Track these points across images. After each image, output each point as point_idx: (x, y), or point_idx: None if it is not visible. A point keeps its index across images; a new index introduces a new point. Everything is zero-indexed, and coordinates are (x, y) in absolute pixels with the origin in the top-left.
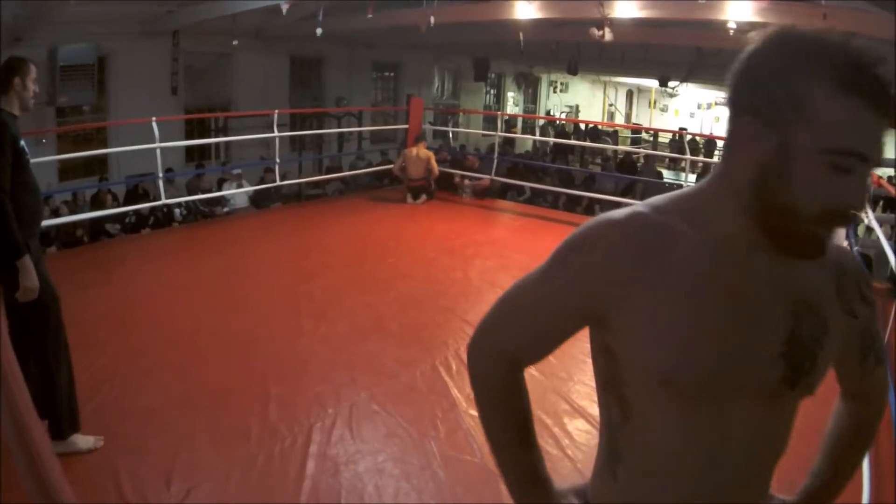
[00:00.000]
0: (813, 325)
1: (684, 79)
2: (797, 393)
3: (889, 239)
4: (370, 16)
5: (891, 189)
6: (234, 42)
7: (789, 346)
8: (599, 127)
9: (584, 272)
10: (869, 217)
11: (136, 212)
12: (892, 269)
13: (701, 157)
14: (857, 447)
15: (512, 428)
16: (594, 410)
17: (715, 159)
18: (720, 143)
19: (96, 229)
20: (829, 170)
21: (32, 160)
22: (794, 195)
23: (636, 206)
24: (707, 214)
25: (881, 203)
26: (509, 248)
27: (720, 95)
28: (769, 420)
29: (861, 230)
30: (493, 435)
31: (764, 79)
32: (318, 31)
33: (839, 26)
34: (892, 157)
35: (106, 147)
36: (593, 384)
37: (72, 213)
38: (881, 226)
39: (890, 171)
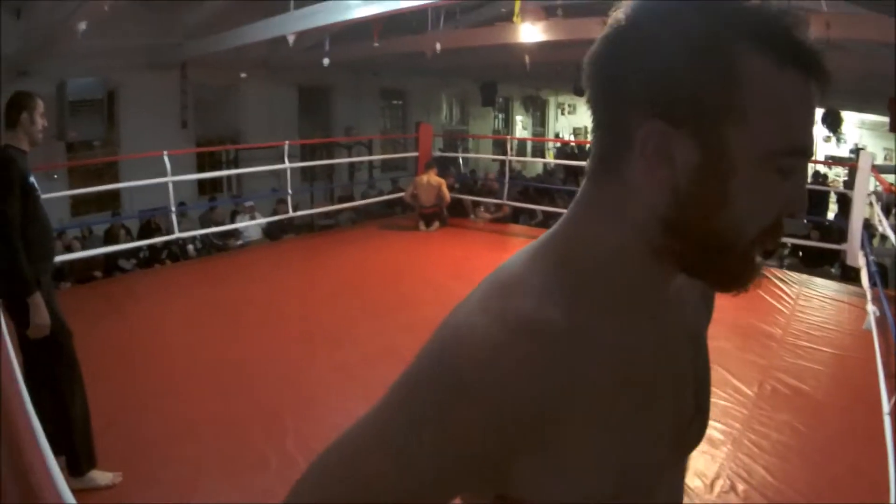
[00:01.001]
0: (705, 359)
1: None
2: (693, 446)
3: None
4: (376, 44)
5: None
6: (243, 74)
7: (696, 398)
8: None
9: (465, 433)
10: (884, 225)
11: (149, 246)
12: None
13: None
14: None
15: None
16: None
17: None
18: None
19: (110, 265)
20: (772, 175)
21: (43, 196)
22: (730, 218)
23: (498, 303)
24: (601, 276)
25: (894, 210)
26: None
27: None
28: (681, 473)
29: (876, 240)
30: None
31: (668, 65)
32: (326, 61)
33: (841, 33)
34: None
35: (117, 181)
36: None
37: (84, 248)
38: None
39: None
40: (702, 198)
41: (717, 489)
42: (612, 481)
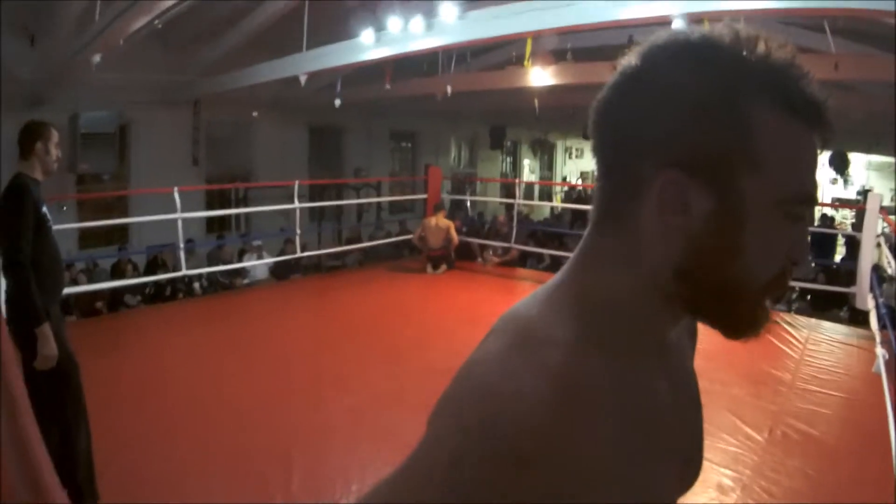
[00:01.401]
0: (698, 396)
1: None
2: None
3: None
4: (388, 86)
5: None
6: (255, 113)
7: (693, 437)
8: None
9: (504, 485)
10: (893, 267)
11: (155, 282)
12: None
13: None
14: None
15: None
16: None
17: None
18: None
19: (115, 299)
20: (781, 223)
21: (54, 227)
22: (743, 265)
23: (534, 358)
24: (619, 325)
25: None
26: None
27: None
28: None
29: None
30: None
31: (684, 115)
32: (337, 101)
33: (849, 73)
34: None
35: (127, 216)
36: None
37: (90, 282)
38: None
39: None
40: (716, 245)
41: None
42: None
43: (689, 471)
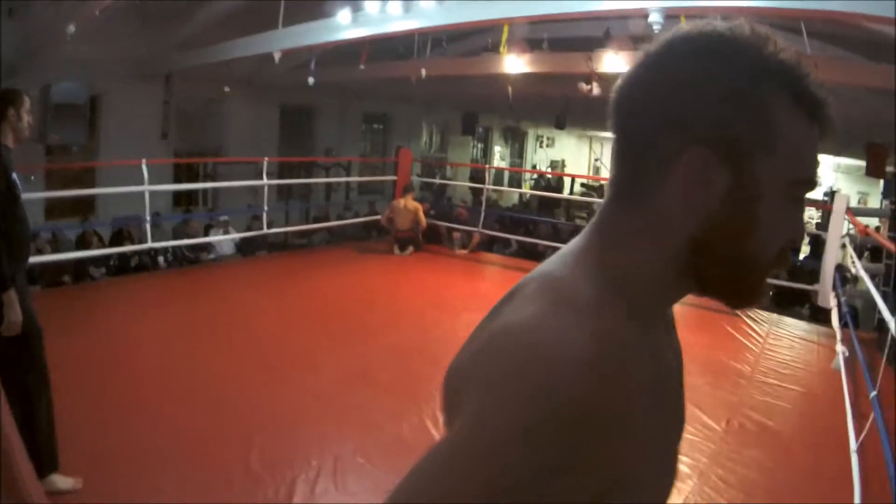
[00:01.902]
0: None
1: None
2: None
3: (876, 289)
4: (362, 67)
5: (880, 238)
6: (226, 88)
7: (680, 409)
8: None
9: (581, 461)
10: (857, 267)
11: (120, 255)
12: (878, 319)
13: None
14: None
15: None
16: None
17: None
18: None
19: (80, 271)
20: (787, 203)
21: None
22: (756, 240)
23: (575, 319)
24: (641, 293)
25: (867, 254)
26: (496, 302)
27: None
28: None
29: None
30: None
31: (710, 98)
32: (311, 80)
33: (829, 75)
34: (878, 206)
35: (94, 188)
36: None
37: (56, 252)
38: (871, 277)
39: (875, 221)
40: (733, 221)
41: None
42: (652, 484)
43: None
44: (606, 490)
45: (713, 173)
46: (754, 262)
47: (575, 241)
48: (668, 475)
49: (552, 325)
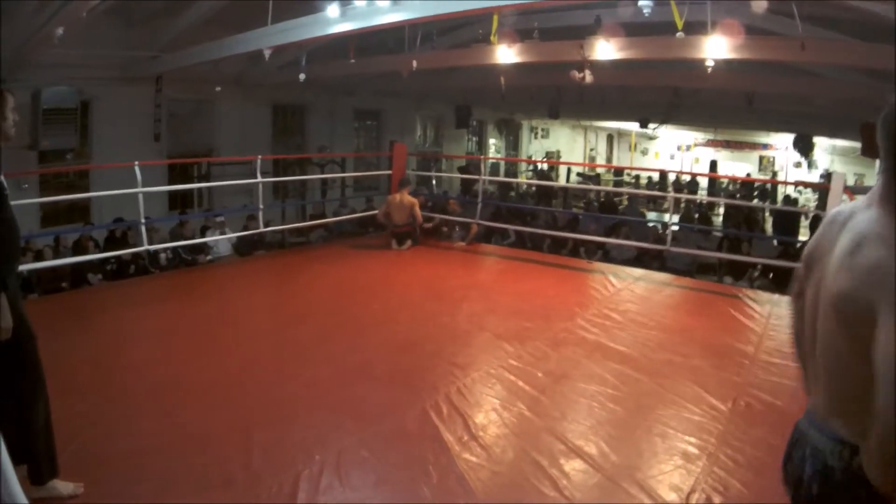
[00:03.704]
0: None
1: (663, 120)
2: None
3: None
4: (352, 60)
5: None
6: (217, 88)
7: None
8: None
9: None
10: None
11: (117, 259)
12: None
13: (685, 195)
14: None
15: None
16: (589, 449)
17: (696, 196)
18: (703, 182)
19: (78, 277)
20: None
21: (14, 203)
22: None
23: None
24: None
25: None
26: (496, 292)
27: (698, 137)
28: None
29: None
30: None
31: None
32: (301, 76)
33: (815, 55)
34: (874, 184)
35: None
36: (587, 423)
37: (57, 258)
38: None
39: None
40: None
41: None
42: None
43: None
44: None
45: None
46: None
47: (869, 217)
48: None
49: None
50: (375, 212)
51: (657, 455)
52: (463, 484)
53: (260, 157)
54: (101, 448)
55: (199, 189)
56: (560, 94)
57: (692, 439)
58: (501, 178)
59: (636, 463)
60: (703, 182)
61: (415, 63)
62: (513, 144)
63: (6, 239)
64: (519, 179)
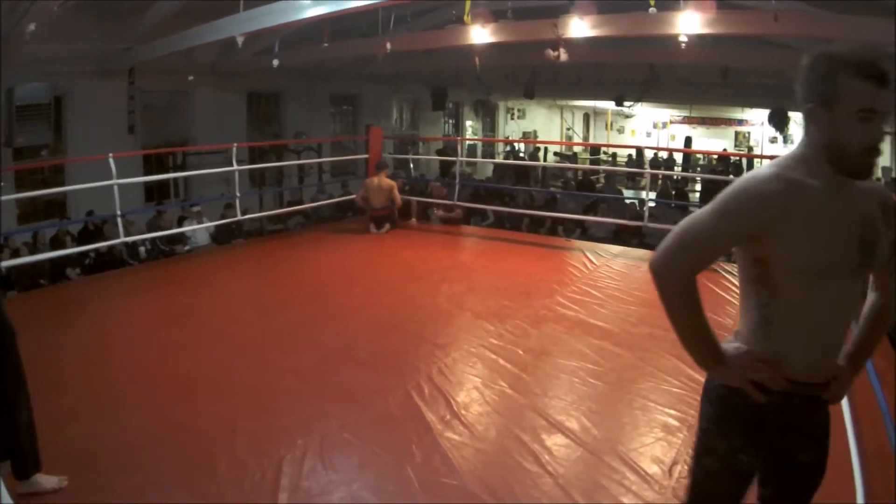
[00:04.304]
0: (872, 232)
1: (639, 98)
2: (862, 271)
3: None
4: (326, 45)
5: None
6: (190, 78)
7: (860, 244)
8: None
9: (744, 214)
10: None
11: (95, 253)
12: None
13: (661, 171)
14: (877, 324)
15: (690, 310)
16: (571, 424)
17: (673, 173)
18: (679, 158)
19: (56, 273)
20: (861, 122)
21: None
22: (847, 142)
23: (768, 167)
24: (809, 169)
25: None
26: (476, 272)
27: (674, 114)
28: (852, 288)
29: None
30: (678, 318)
31: (816, 82)
32: (275, 62)
33: (789, 28)
34: None
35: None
36: (568, 398)
37: (32, 255)
38: None
39: None
40: (833, 133)
41: (675, 475)
42: (815, 257)
43: (859, 259)
44: (755, 240)
45: (820, 114)
46: (850, 151)
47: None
48: (837, 259)
49: (761, 169)
50: (353, 196)
51: (638, 428)
52: (447, 462)
53: (235, 144)
54: (85, 442)
55: (176, 179)
56: (535, 73)
57: (672, 412)
58: (479, 159)
59: (618, 436)
60: (680, 158)
61: (389, 45)
62: (490, 126)
63: None
64: (498, 160)
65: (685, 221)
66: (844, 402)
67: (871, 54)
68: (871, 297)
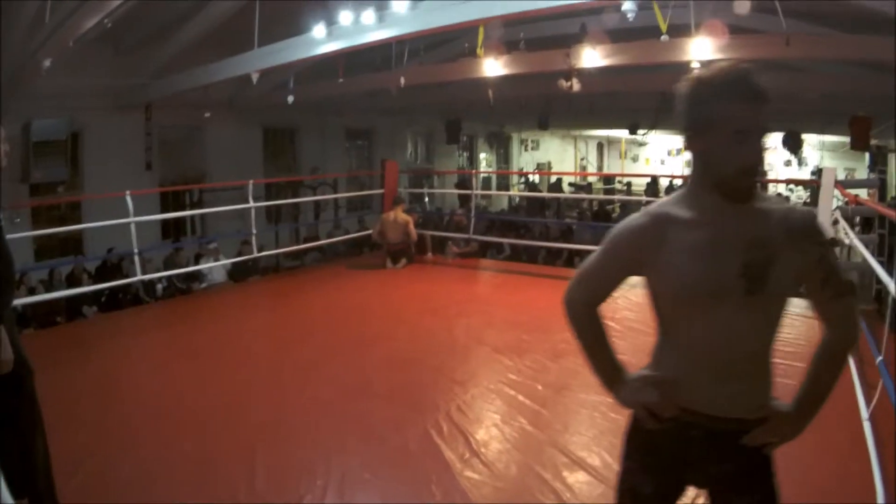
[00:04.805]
0: (760, 255)
1: (653, 125)
2: (758, 299)
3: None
4: (341, 80)
5: (871, 204)
6: (207, 114)
7: (745, 270)
8: (572, 180)
9: (619, 250)
10: (850, 238)
11: (111, 290)
12: (877, 290)
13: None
14: (829, 365)
15: (589, 336)
16: (593, 460)
17: None
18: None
19: (72, 309)
20: (736, 144)
21: (7, 236)
22: (724, 165)
23: (647, 207)
24: (690, 199)
25: (856, 228)
26: (493, 305)
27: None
28: (749, 316)
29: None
30: (580, 342)
31: (689, 109)
32: (290, 98)
33: (801, 50)
34: (865, 177)
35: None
36: (590, 434)
37: (48, 292)
38: (866, 247)
39: (864, 193)
40: (710, 158)
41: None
42: (687, 285)
43: (742, 281)
44: (638, 272)
45: (696, 141)
46: (728, 174)
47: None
48: (715, 285)
49: (643, 209)
50: (369, 231)
51: None
52: (467, 501)
53: (251, 181)
54: (104, 478)
55: (192, 216)
56: (549, 104)
57: None
58: (494, 192)
59: None
60: None
61: (403, 79)
62: (503, 158)
63: (1, 272)
64: (512, 193)
65: (586, 259)
66: (861, 404)
67: (739, 74)
68: (821, 333)
